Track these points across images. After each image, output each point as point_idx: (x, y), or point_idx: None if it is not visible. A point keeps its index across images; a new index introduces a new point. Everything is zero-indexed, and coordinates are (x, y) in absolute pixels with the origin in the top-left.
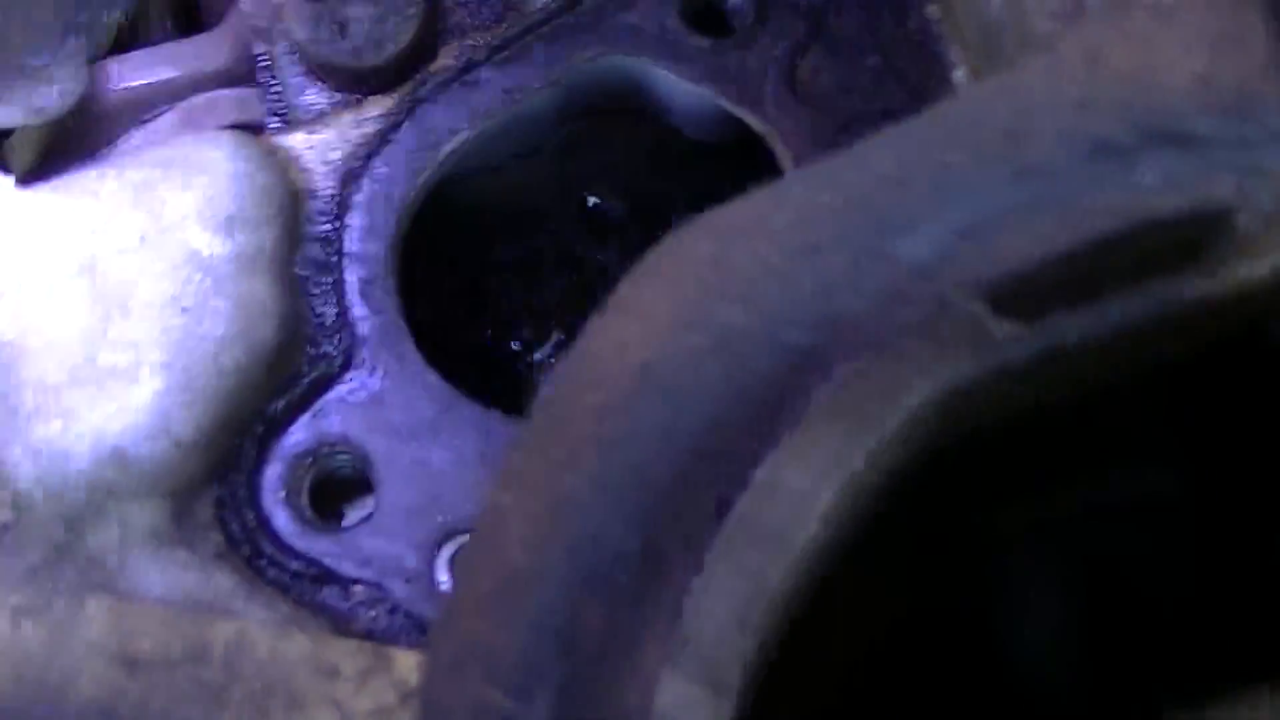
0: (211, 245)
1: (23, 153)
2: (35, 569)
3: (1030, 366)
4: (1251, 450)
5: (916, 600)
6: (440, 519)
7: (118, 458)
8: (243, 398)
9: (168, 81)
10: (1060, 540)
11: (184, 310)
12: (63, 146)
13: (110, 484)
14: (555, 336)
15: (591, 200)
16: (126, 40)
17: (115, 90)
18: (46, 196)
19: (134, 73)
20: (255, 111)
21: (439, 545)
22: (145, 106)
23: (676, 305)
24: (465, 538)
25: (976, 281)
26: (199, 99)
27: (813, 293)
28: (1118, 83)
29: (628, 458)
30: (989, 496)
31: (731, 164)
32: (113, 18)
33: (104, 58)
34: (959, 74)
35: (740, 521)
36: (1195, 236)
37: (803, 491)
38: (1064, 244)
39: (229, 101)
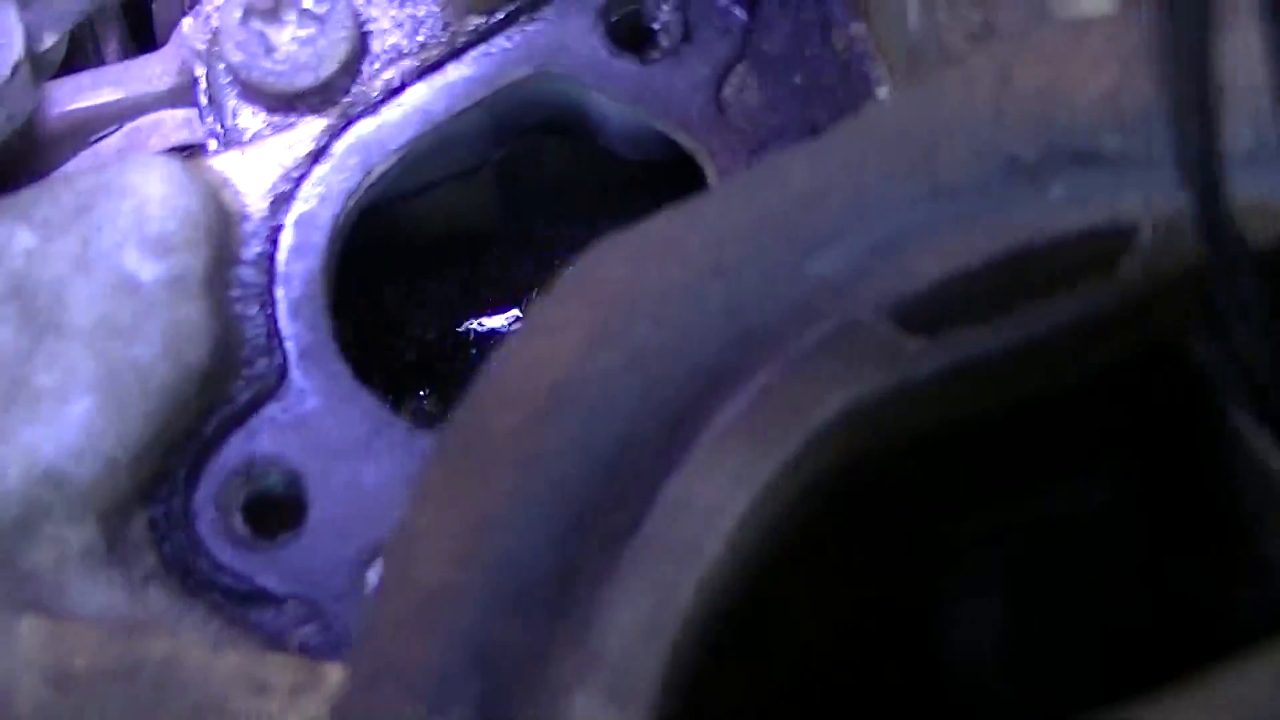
0: (143, 269)
1: None
2: None
3: (938, 380)
4: (1180, 464)
5: (858, 604)
6: (371, 536)
7: (49, 477)
8: (174, 418)
9: (113, 103)
10: (999, 548)
11: (115, 332)
12: (6, 169)
13: (42, 504)
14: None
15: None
16: (74, 61)
17: (60, 113)
18: None
19: (78, 95)
20: (200, 132)
21: (369, 562)
22: (90, 129)
23: (589, 324)
24: None
25: (886, 298)
26: (143, 121)
27: (724, 311)
28: (1028, 100)
29: (543, 476)
30: (927, 507)
31: (671, 181)
32: (53, 38)
33: (49, 79)
34: (883, 91)
35: (649, 537)
36: (1103, 253)
37: (711, 506)
38: (973, 260)
39: (173, 123)
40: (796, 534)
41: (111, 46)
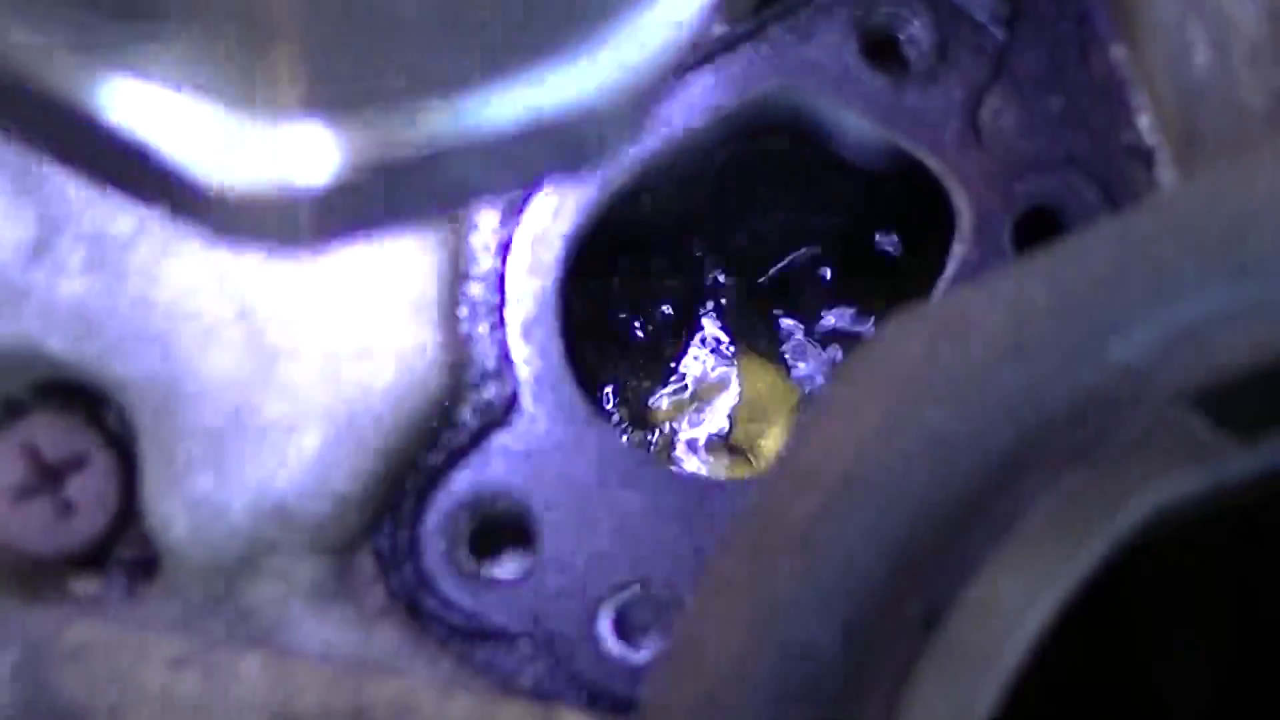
0: (373, 290)
1: None
2: (189, 621)
3: (1248, 482)
4: None
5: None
6: (605, 573)
7: (277, 513)
8: (404, 449)
9: None
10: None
11: (346, 361)
12: None
13: (269, 540)
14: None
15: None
16: None
17: None
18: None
19: None
20: None
21: (602, 601)
22: None
23: (884, 407)
24: (628, 594)
25: (1191, 389)
26: None
27: (1023, 395)
28: None
29: (835, 564)
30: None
31: (889, 189)
32: None
33: None
34: (1144, 120)
35: (951, 637)
36: None
37: (1017, 609)
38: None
39: None
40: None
41: None
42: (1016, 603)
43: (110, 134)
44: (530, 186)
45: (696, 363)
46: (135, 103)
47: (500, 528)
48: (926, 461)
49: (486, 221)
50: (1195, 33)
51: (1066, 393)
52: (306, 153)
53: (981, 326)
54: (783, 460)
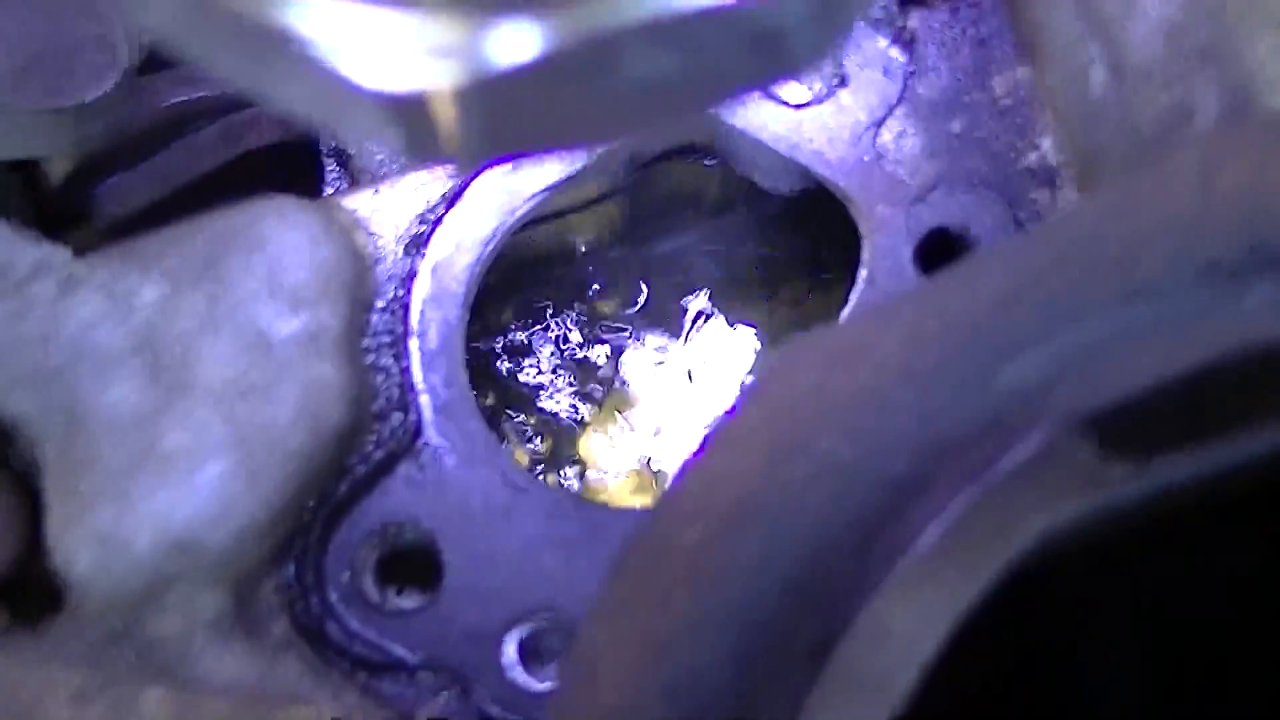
0: (276, 325)
1: (57, 166)
2: (93, 654)
3: (1136, 505)
4: None
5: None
6: (507, 604)
7: (180, 545)
8: (307, 481)
9: (207, 98)
10: (1145, 604)
11: (248, 392)
12: (101, 164)
13: (172, 572)
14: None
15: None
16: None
17: (156, 108)
18: (103, 270)
19: (175, 89)
20: (295, 130)
21: (506, 631)
22: (184, 124)
23: (776, 435)
24: (533, 623)
25: (1081, 410)
26: (239, 116)
27: (915, 420)
28: (1230, 201)
29: (725, 595)
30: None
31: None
32: (149, 37)
33: (150, 72)
34: (1047, 141)
35: (842, 665)
36: None
37: (909, 636)
38: (1170, 373)
39: (270, 119)
40: (970, 646)
41: None
42: (908, 630)
43: (305, 52)
44: (723, 98)
45: (600, 385)
46: (328, 19)
47: (405, 558)
48: (817, 489)
49: (390, 252)
50: (1092, 54)
51: (959, 418)
52: (505, 38)
53: (873, 354)
54: (673, 489)
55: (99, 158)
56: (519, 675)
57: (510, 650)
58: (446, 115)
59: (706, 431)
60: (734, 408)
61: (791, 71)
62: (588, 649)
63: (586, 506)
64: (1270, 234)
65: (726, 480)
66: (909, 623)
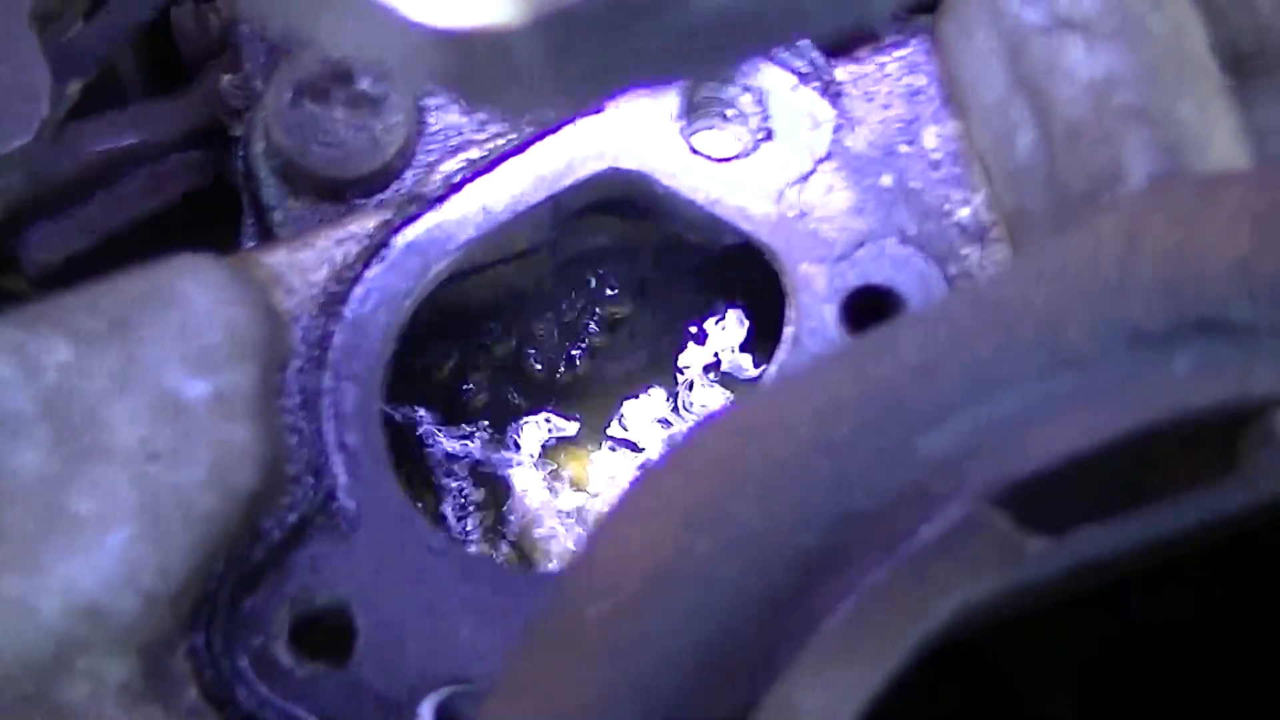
0: (187, 386)
1: None
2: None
3: (1055, 579)
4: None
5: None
6: (421, 671)
7: (87, 612)
8: (218, 545)
9: (134, 146)
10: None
11: (158, 456)
12: (27, 211)
13: (80, 639)
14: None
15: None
16: (97, 94)
17: (81, 156)
18: (11, 331)
19: (100, 137)
20: (211, 174)
21: (419, 699)
22: (112, 171)
23: (686, 507)
24: (448, 691)
25: (1001, 480)
26: (165, 163)
27: (830, 490)
28: (1155, 266)
29: (634, 671)
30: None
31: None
32: (75, 87)
33: (75, 118)
34: (978, 197)
35: None
36: (1232, 432)
37: (818, 715)
38: (1093, 442)
39: (194, 165)
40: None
41: (135, 82)
42: (816, 711)
43: None
44: (795, 36)
45: (527, 442)
46: None
47: (318, 624)
48: (728, 561)
49: (306, 310)
50: (1020, 113)
51: (874, 488)
52: None
53: (787, 424)
54: (581, 560)
55: (24, 205)
56: None
57: (425, 716)
58: (511, 52)
59: (616, 504)
60: (643, 478)
61: (868, 15)
62: None
63: (503, 571)
64: (1195, 300)
65: (636, 552)
66: (817, 703)
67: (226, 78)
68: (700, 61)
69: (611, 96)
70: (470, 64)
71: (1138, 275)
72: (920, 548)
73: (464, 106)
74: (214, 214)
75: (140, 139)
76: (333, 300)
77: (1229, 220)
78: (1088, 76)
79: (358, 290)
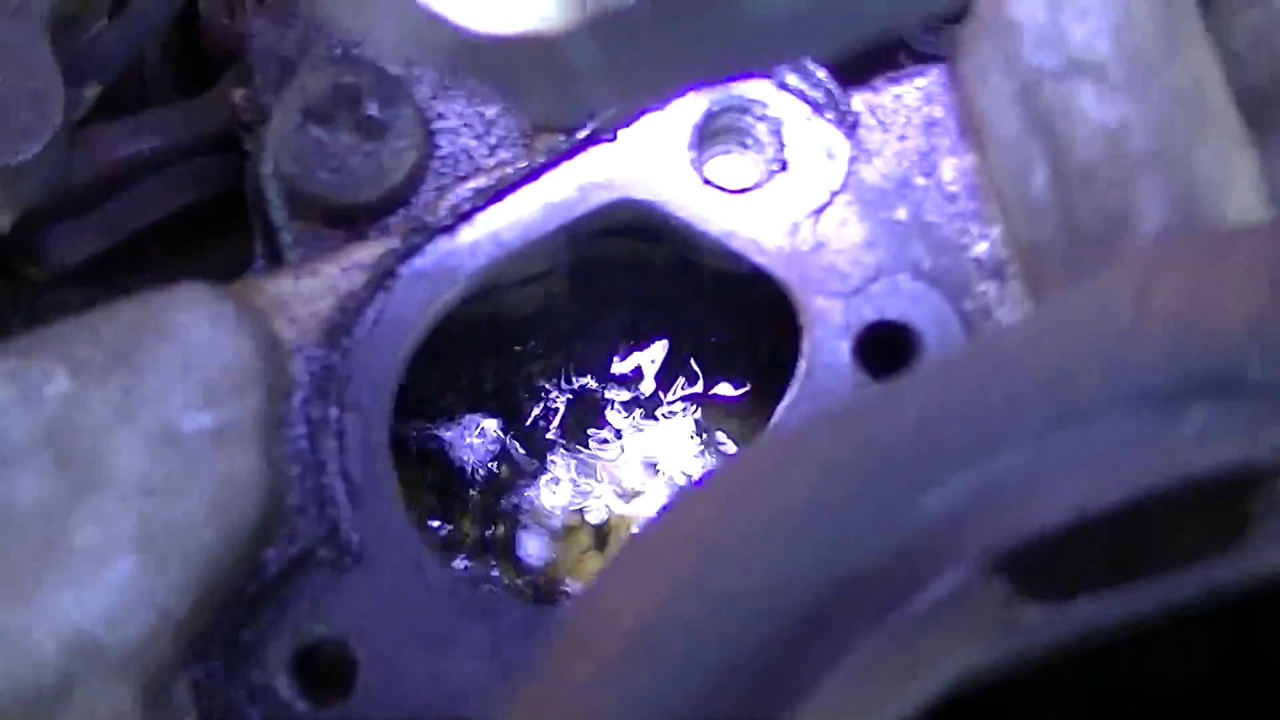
0: (187, 419)
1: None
2: None
3: (1053, 649)
4: None
5: None
6: (423, 707)
7: (85, 645)
8: (220, 578)
9: (152, 150)
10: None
11: (158, 489)
12: (46, 213)
13: (76, 672)
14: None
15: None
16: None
17: (99, 161)
18: (12, 358)
19: (120, 142)
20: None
21: None
22: (130, 175)
23: (673, 571)
24: None
25: (1003, 543)
26: (184, 167)
27: (825, 552)
28: (1167, 322)
29: None
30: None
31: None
32: (93, 91)
33: (101, 117)
34: (996, 231)
35: None
36: (1240, 495)
37: None
38: (1098, 505)
39: (213, 170)
40: None
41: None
42: None
43: None
44: (853, 40)
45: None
46: None
47: (318, 657)
48: (716, 624)
49: (311, 339)
50: (1034, 151)
51: (873, 548)
52: None
53: (782, 484)
54: (568, 620)
55: (42, 208)
56: None
57: None
58: (564, 56)
59: (604, 567)
60: (632, 539)
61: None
62: None
63: (508, 606)
64: (1205, 359)
65: (621, 613)
66: None
67: (239, 91)
68: (749, 63)
69: (666, 98)
70: (523, 68)
71: (1148, 331)
72: (916, 614)
73: (474, 131)
74: (236, 215)
75: (158, 144)
76: (337, 330)
77: (1242, 277)
78: (1100, 120)
79: (364, 318)
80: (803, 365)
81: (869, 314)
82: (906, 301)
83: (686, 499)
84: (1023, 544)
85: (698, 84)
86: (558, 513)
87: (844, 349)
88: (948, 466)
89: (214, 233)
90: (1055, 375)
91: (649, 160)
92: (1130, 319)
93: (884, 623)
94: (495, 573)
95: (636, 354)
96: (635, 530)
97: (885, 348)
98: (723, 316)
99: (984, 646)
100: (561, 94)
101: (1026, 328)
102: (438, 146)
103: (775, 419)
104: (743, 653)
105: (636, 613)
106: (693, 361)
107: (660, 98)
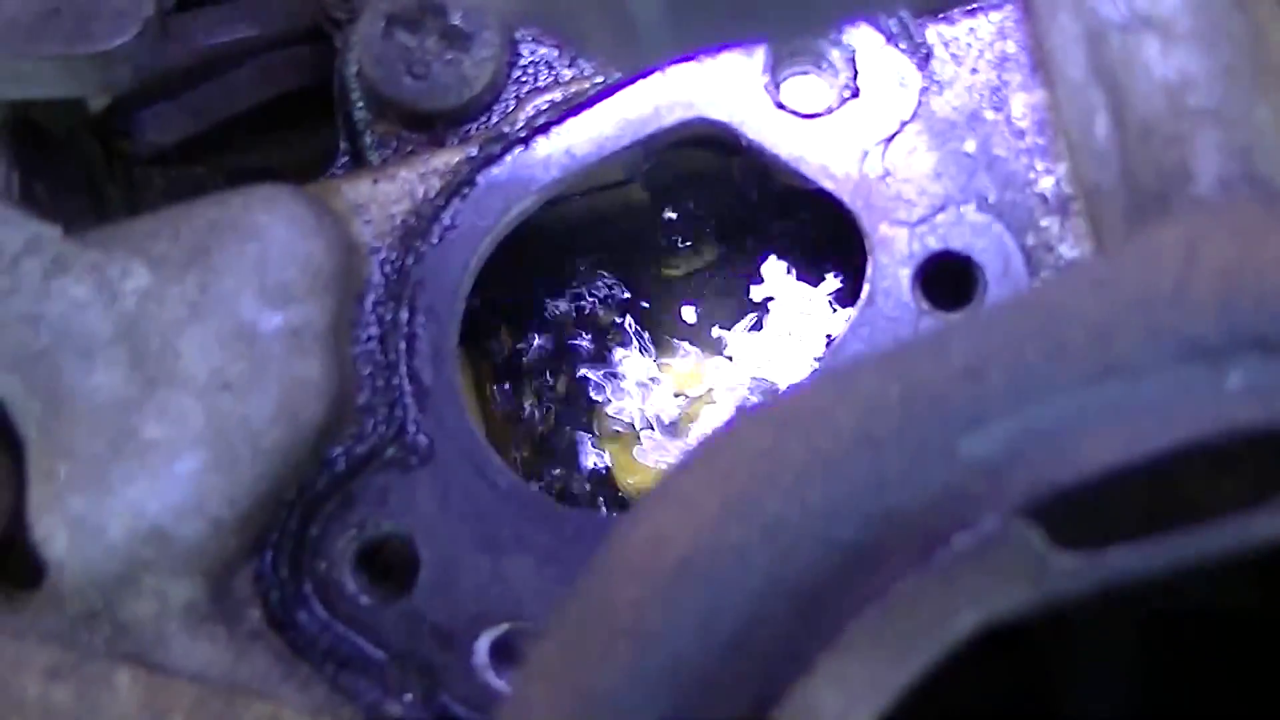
0: (261, 318)
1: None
2: (67, 633)
3: (1081, 597)
4: None
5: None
6: (480, 605)
7: (154, 534)
8: (285, 476)
9: (245, 39)
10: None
11: (229, 386)
12: (142, 97)
13: (145, 560)
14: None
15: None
16: None
17: (192, 48)
18: (93, 252)
19: (212, 30)
20: (319, 71)
21: (477, 631)
22: (223, 63)
23: (723, 496)
24: (505, 628)
25: (1039, 488)
26: (275, 56)
27: (868, 488)
28: (1214, 280)
29: (662, 653)
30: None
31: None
32: None
33: (187, 9)
34: (1062, 168)
35: None
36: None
37: (837, 717)
38: (1135, 455)
39: (303, 61)
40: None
41: None
42: (836, 710)
43: None
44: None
45: (623, 364)
46: None
47: (381, 553)
48: (763, 552)
49: (387, 242)
50: (1098, 99)
51: (914, 486)
52: None
53: (829, 419)
54: (615, 542)
55: (135, 93)
56: (490, 676)
57: (482, 651)
58: (628, 8)
59: (654, 490)
60: (680, 465)
61: None
62: (517, 707)
63: (562, 512)
64: (1252, 317)
65: (670, 538)
66: (838, 704)
67: None
68: (816, 16)
69: (724, 48)
70: (588, 19)
71: (1195, 288)
72: (951, 557)
73: (556, 42)
74: (325, 109)
75: (249, 33)
76: (413, 234)
77: None
78: (1162, 76)
79: (438, 223)
80: (866, 290)
81: (933, 243)
82: (970, 233)
83: (739, 426)
84: (1060, 491)
85: (760, 40)
86: (624, 417)
87: (906, 276)
88: (989, 412)
89: (303, 124)
90: (1102, 328)
91: (724, 80)
92: (1179, 275)
93: (923, 561)
94: (557, 474)
95: (710, 261)
96: (693, 445)
97: (947, 277)
98: (797, 229)
99: (1016, 592)
100: (622, 44)
101: (1075, 280)
102: (519, 55)
103: (836, 343)
104: (786, 580)
105: (684, 536)
106: (765, 270)
107: (720, 48)
